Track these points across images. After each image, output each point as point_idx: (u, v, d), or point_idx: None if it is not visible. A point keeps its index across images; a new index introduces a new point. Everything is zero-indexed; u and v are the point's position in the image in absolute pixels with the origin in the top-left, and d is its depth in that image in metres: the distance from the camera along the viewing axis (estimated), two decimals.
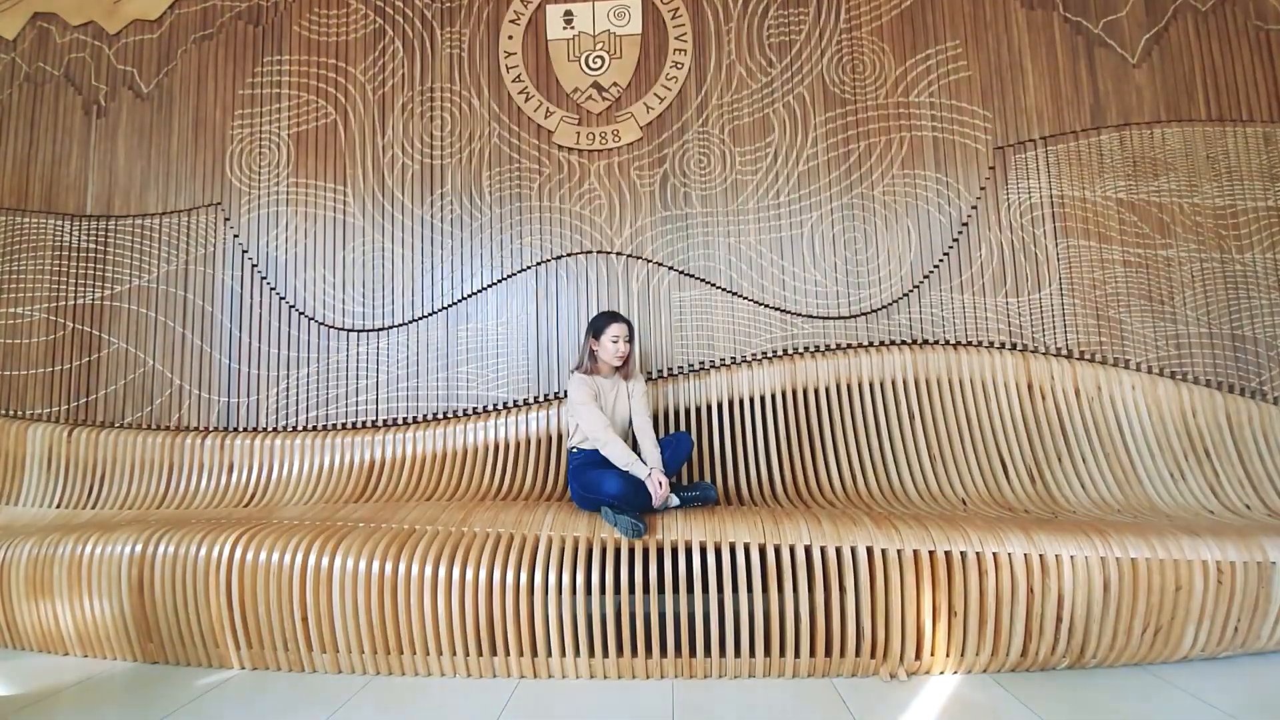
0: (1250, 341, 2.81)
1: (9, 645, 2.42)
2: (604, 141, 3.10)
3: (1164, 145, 2.93)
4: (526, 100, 3.15)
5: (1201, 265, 2.87)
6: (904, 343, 2.94)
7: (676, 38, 3.13)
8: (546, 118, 3.14)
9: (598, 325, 2.51)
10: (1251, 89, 2.93)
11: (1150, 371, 2.82)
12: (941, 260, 2.96)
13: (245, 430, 3.10)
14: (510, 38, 3.18)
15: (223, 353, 3.14)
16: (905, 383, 2.85)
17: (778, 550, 2.11)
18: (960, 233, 2.97)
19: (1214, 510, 2.51)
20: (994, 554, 2.06)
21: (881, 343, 2.95)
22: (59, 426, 3.13)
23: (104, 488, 3.05)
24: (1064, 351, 2.87)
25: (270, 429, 3.09)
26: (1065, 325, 2.88)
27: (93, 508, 2.99)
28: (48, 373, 3.18)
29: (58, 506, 3.02)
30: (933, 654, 2.08)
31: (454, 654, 2.14)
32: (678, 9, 3.14)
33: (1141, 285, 2.88)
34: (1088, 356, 2.86)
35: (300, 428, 3.08)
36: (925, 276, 2.96)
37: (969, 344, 2.91)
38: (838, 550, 2.10)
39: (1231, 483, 2.61)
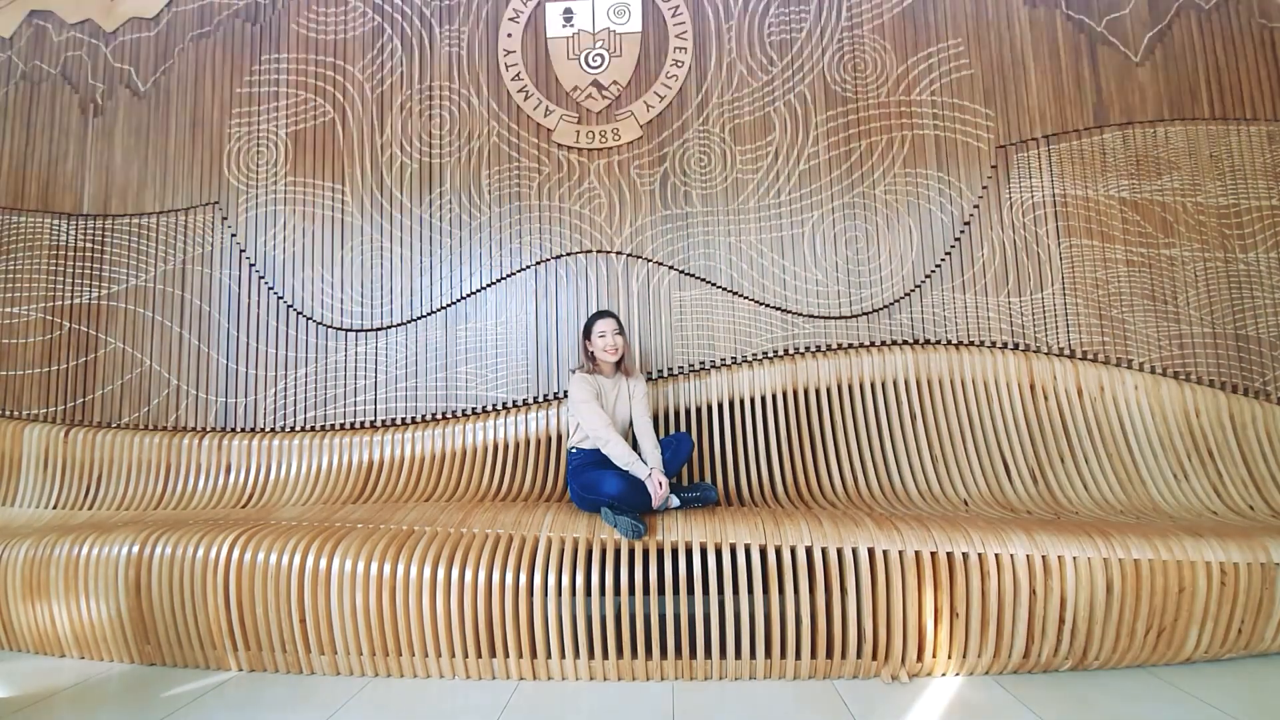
0: (1254, 341, 2.79)
1: (5, 647, 2.40)
2: (604, 140, 3.08)
3: (1167, 144, 2.91)
4: (526, 99, 3.13)
5: (1205, 265, 2.85)
6: (906, 342, 2.92)
7: (677, 36, 3.11)
8: (546, 116, 3.12)
9: (587, 326, 2.56)
10: (1255, 87, 2.91)
11: (1153, 371, 2.81)
12: (943, 260, 2.95)
13: (243, 431, 3.08)
14: (509, 36, 3.17)
15: (220, 353, 3.13)
16: (907, 383, 2.84)
17: (778, 551, 2.09)
18: (962, 232, 2.95)
19: (1218, 511, 2.50)
20: (996, 555, 2.04)
21: (883, 342, 2.93)
22: (55, 427, 3.11)
23: (101, 488, 3.03)
24: (1067, 351, 2.85)
25: (268, 429, 3.07)
26: (1068, 325, 2.87)
27: (90, 508, 2.98)
28: (44, 373, 3.17)
29: (54, 507, 3.00)
30: (934, 656, 2.07)
31: (453, 656, 2.12)
32: (678, 7, 3.12)
33: (1144, 285, 2.86)
34: (1090, 356, 2.84)
35: (298, 428, 3.07)
36: (927, 276, 2.94)
37: (971, 344, 2.89)
38: (839, 551, 2.08)
39: (1235, 483, 2.60)
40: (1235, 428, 2.69)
